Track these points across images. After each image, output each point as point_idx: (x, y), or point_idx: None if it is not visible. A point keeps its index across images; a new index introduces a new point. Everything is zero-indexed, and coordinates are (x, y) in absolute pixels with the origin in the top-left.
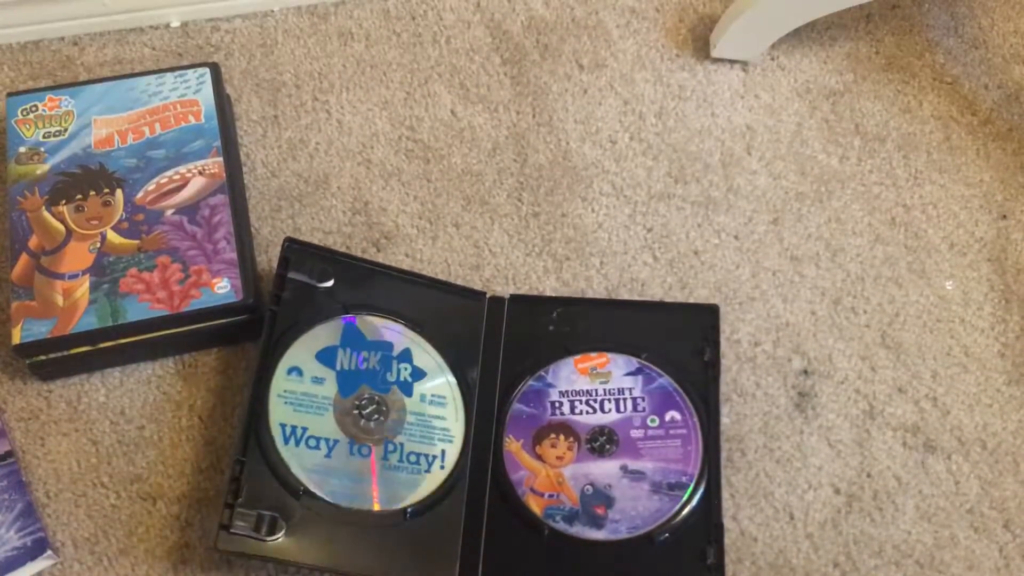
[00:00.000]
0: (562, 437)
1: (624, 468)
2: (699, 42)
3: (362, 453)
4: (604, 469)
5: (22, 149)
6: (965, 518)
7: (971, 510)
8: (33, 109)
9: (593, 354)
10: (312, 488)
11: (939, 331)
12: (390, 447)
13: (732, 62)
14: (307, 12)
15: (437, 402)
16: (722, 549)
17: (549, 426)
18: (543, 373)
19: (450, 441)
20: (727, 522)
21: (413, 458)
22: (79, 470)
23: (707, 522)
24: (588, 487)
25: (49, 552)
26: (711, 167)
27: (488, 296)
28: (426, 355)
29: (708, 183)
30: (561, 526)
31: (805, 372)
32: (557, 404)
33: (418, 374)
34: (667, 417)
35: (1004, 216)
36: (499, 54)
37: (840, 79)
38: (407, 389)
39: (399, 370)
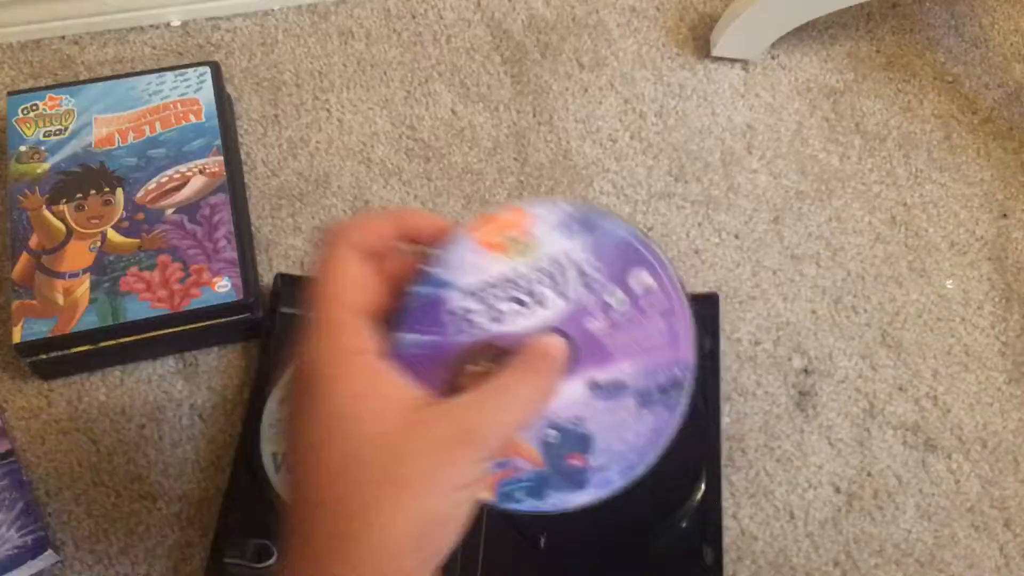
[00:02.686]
0: (485, 365)
1: (592, 383)
2: (699, 41)
3: None
4: (565, 397)
5: (23, 148)
6: (965, 517)
7: (971, 509)
8: (34, 108)
9: (501, 214)
10: None
11: (939, 330)
12: None
13: (732, 61)
14: (307, 11)
15: None
16: (720, 548)
17: (460, 355)
18: (432, 269)
19: None
20: (727, 521)
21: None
22: (79, 469)
23: (705, 521)
24: (550, 432)
25: (49, 551)
26: (711, 166)
27: None
28: None
29: (708, 182)
30: (528, 504)
31: (805, 371)
32: (463, 314)
33: None
34: (634, 283)
35: (1005, 215)
36: (499, 53)
37: (840, 78)
38: None
39: None
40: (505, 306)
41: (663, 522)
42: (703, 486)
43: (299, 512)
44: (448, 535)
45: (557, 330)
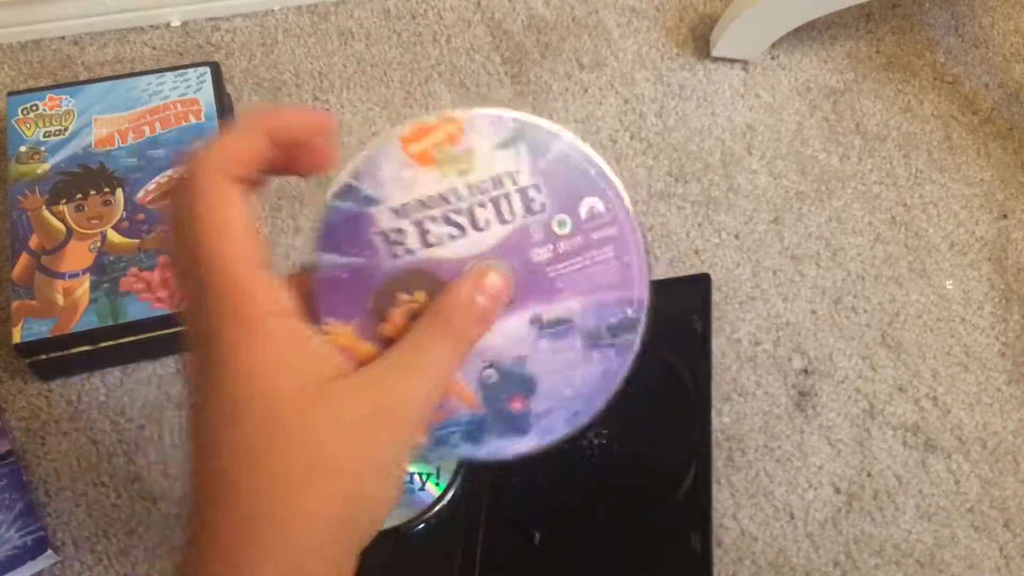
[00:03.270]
0: (418, 295)
1: (536, 320)
2: (699, 41)
3: None
4: (506, 334)
5: (23, 148)
6: (965, 517)
7: (971, 509)
8: (33, 108)
9: (432, 119)
10: None
11: (939, 330)
12: None
13: (732, 61)
14: (307, 11)
15: None
16: (709, 535)
17: (390, 280)
18: (356, 180)
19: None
20: (727, 521)
21: (407, 476)
22: (79, 469)
23: (695, 507)
24: (488, 371)
25: (49, 551)
26: (711, 166)
27: None
28: None
29: (708, 182)
30: (464, 450)
31: (805, 371)
32: (393, 235)
33: None
34: (583, 211)
35: (1005, 215)
36: (499, 53)
37: (840, 78)
38: None
39: None
40: (440, 229)
41: (654, 510)
42: (693, 472)
43: (203, 501)
44: (375, 517)
45: (496, 261)
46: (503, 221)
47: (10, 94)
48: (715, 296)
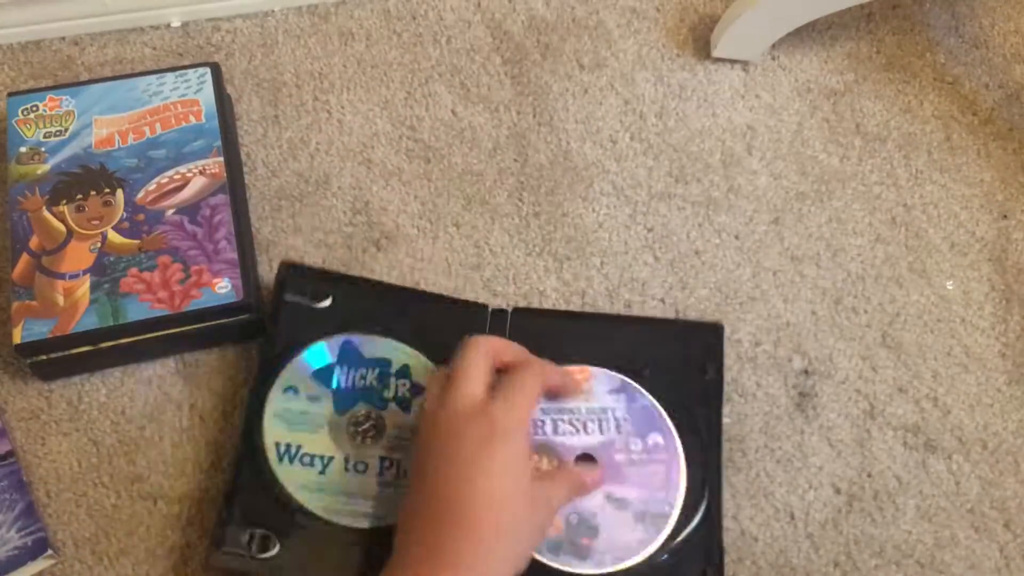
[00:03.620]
0: (545, 459)
1: (609, 496)
2: (700, 42)
3: (358, 470)
4: (590, 498)
5: (23, 149)
6: (966, 518)
7: (972, 510)
8: (34, 109)
9: (574, 368)
10: (306, 505)
11: (940, 331)
12: (387, 463)
13: (733, 62)
14: (308, 12)
15: None
16: (722, 571)
17: (533, 446)
18: None
19: None
20: (727, 522)
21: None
22: (80, 470)
23: (708, 543)
24: (573, 516)
25: (50, 551)
26: (712, 167)
27: (491, 309)
28: (425, 370)
29: (709, 183)
30: (547, 557)
31: (806, 372)
32: (540, 423)
33: (417, 390)
34: (649, 441)
35: (1005, 216)
36: (500, 54)
37: (841, 79)
38: (405, 405)
39: (397, 386)
40: (564, 426)
41: (665, 546)
42: (703, 510)
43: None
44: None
45: (593, 453)
46: (602, 432)
47: (10, 95)
48: (715, 297)
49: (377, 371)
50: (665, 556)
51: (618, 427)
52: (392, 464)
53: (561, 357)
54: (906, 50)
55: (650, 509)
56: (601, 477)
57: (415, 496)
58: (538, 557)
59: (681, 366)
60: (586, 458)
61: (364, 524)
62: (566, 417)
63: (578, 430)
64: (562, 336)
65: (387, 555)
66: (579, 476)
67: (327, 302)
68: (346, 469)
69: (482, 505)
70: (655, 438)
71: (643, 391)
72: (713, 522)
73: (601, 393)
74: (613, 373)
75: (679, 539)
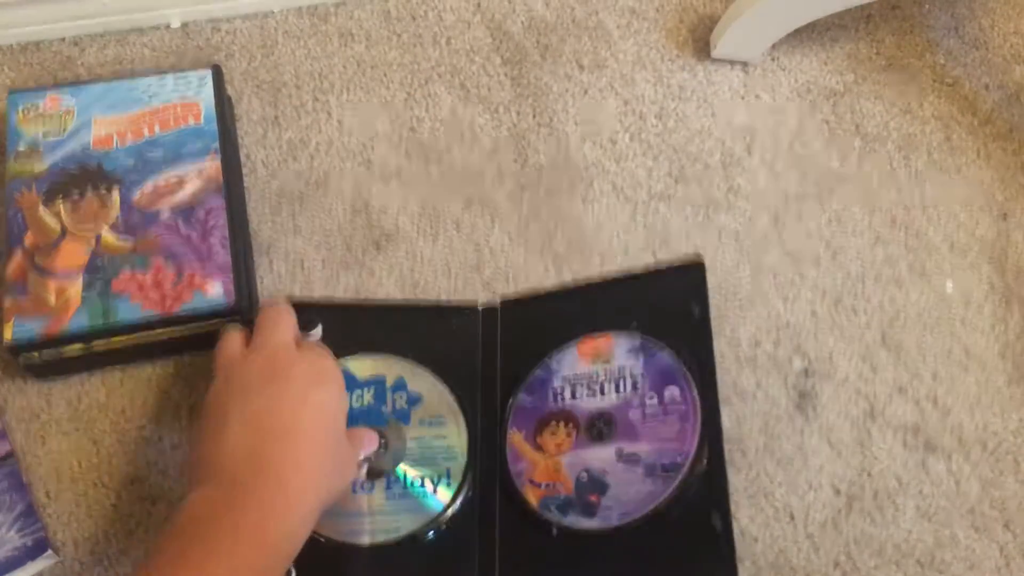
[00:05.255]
0: (562, 424)
1: (619, 452)
2: (699, 42)
3: (365, 488)
4: (600, 455)
5: (21, 147)
6: (966, 518)
7: (972, 510)
8: (34, 108)
9: (596, 335)
10: (317, 531)
11: (939, 331)
12: (393, 477)
13: (732, 62)
14: (308, 13)
15: (436, 422)
16: (728, 513)
17: (550, 414)
18: (548, 360)
19: (454, 458)
20: None
21: (418, 483)
22: (79, 470)
23: (711, 489)
24: (583, 474)
25: (49, 552)
26: (711, 167)
27: (481, 308)
28: (420, 379)
29: (708, 183)
30: (555, 516)
31: (805, 372)
32: (559, 391)
33: (414, 399)
34: (666, 395)
35: (1005, 216)
36: (499, 54)
37: (840, 79)
38: (404, 417)
39: (394, 400)
40: (582, 391)
41: (670, 494)
42: (707, 454)
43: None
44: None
45: (608, 413)
46: (617, 392)
47: (11, 93)
48: (715, 298)
49: (373, 390)
50: (672, 505)
51: (635, 385)
52: (399, 476)
53: (562, 338)
54: (906, 51)
55: (661, 461)
56: (374, 437)
57: (219, 438)
58: (548, 516)
59: (667, 308)
60: (599, 417)
61: (379, 539)
62: (584, 382)
63: (595, 393)
64: (556, 317)
65: (387, 572)
66: (366, 430)
67: (318, 330)
68: (354, 491)
69: (310, 424)
70: (672, 391)
71: (663, 345)
72: (716, 467)
73: (621, 354)
74: (633, 334)
75: (688, 490)
